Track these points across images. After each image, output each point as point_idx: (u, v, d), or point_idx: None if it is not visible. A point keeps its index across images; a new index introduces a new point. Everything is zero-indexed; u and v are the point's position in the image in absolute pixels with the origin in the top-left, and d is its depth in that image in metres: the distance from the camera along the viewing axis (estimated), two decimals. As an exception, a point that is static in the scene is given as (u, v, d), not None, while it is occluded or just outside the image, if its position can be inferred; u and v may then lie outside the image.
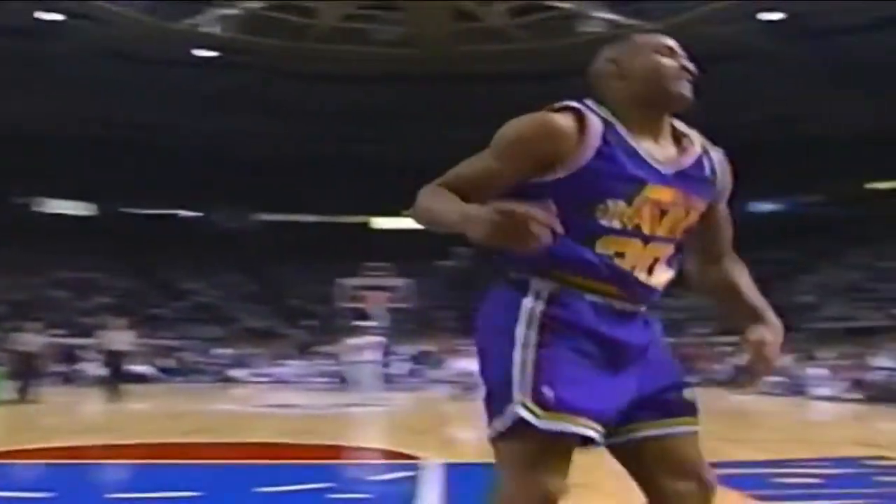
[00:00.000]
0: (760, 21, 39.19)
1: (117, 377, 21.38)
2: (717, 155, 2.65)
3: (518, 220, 2.12)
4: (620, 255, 2.43)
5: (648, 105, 2.52)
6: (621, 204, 2.41)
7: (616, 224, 2.41)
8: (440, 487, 6.92)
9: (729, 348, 29.91)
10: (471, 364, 23.74)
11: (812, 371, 25.67)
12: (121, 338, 21.70)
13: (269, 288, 47.96)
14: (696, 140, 2.62)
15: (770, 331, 2.62)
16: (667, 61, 2.52)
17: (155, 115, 46.07)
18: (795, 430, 10.94)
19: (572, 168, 2.41)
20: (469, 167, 2.49)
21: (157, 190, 48.92)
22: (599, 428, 2.34)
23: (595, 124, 2.43)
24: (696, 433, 2.55)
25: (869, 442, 11.18)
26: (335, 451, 10.38)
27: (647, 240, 2.46)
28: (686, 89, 2.52)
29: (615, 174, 2.41)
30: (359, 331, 25.58)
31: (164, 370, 35.71)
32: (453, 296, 47.43)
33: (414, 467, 7.97)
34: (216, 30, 42.40)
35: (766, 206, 46.47)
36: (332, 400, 21.12)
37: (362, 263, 39.88)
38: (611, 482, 7.26)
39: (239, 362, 37.97)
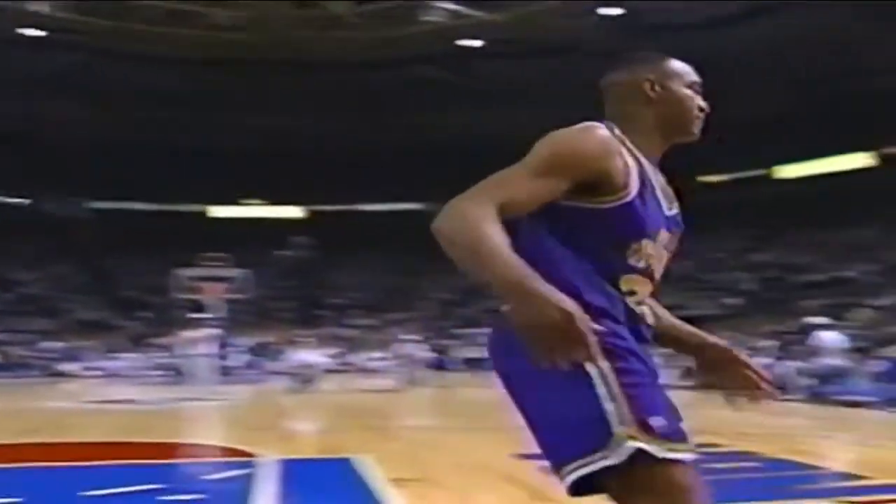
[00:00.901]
0: (600, 15, 40.09)
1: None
2: None
3: (577, 339, 1.94)
4: (633, 293, 2.39)
5: (668, 132, 2.50)
6: (650, 245, 2.38)
7: (642, 264, 2.38)
8: (276, 485, 6.80)
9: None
10: (309, 355, 23.51)
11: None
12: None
13: (101, 278, 46.65)
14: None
15: (718, 340, 2.70)
16: (694, 96, 2.52)
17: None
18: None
19: (620, 199, 2.31)
20: (519, 186, 2.21)
21: (-20, 176, 46.92)
22: None
23: (632, 163, 2.36)
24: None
25: (701, 429, 11.46)
26: (169, 449, 10.11)
27: (652, 280, 2.45)
28: (699, 129, 2.54)
29: (651, 214, 2.37)
30: (195, 323, 25.22)
31: (-12, 365, 34.38)
32: (292, 286, 47.13)
33: (250, 465, 7.82)
34: (45, 8, 40.83)
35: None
36: (167, 394, 20.59)
37: (199, 253, 39.11)
38: (451, 476, 7.24)
39: (70, 356, 36.80)
